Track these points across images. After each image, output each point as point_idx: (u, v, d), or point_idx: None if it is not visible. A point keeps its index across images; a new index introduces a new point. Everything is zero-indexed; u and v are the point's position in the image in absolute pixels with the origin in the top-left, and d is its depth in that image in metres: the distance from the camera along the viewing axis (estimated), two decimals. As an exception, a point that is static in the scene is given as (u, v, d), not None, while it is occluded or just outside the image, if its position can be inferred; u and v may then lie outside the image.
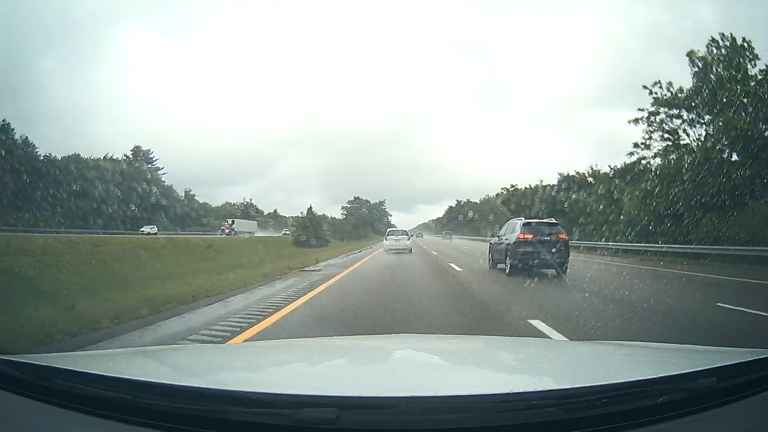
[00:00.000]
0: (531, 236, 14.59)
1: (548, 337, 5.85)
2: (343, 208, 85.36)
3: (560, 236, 14.94)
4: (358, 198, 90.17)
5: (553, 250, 14.30)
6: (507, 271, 14.82)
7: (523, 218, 16.86)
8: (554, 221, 16.72)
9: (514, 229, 15.37)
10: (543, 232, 14.88)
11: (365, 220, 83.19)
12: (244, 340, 5.90)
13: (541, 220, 16.71)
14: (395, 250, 26.84)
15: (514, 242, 14.67)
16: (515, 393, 1.41)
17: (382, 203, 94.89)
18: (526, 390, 1.51)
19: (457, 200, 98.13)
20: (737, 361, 1.62)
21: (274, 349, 2.89)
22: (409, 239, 28.96)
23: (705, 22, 57.15)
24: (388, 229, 32.23)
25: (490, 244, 18.04)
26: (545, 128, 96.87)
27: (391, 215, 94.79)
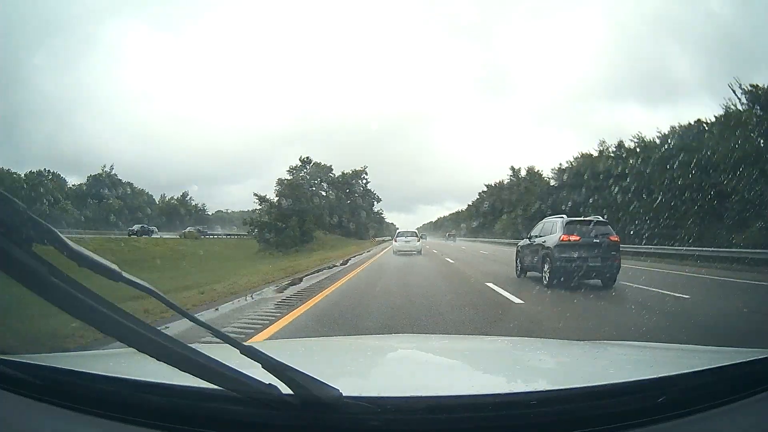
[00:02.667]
0: (577, 238, 11.89)
1: None
2: (279, 182, 46.40)
3: (611, 238, 12.22)
4: (308, 160, 49.77)
5: (604, 255, 11.82)
6: (545, 281, 12.05)
7: (565, 216, 13.57)
8: (602, 219, 13.61)
9: (553, 230, 12.65)
10: (591, 234, 12.09)
11: (303, 209, 41.88)
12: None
13: (587, 219, 13.50)
14: (405, 251, 27.45)
15: (556, 246, 11.95)
16: (516, 393, 1.41)
17: (360, 174, 54.90)
18: (527, 390, 1.51)
19: (477, 196, 75.29)
20: (737, 361, 1.62)
21: (273, 349, 2.90)
22: (418, 240, 30.23)
23: (715, 12, 56.49)
24: (398, 231, 33.70)
25: (519, 247, 14.98)
26: (550, 124, 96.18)
27: (379, 198, 60.23)
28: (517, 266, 14.83)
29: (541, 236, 13.26)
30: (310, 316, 8.02)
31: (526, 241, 14.32)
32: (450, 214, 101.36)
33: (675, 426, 1.35)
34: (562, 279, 11.53)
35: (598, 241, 11.96)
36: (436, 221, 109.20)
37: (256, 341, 5.50)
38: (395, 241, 30.62)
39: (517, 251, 15.00)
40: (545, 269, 12.21)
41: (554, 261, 11.86)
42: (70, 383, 1.47)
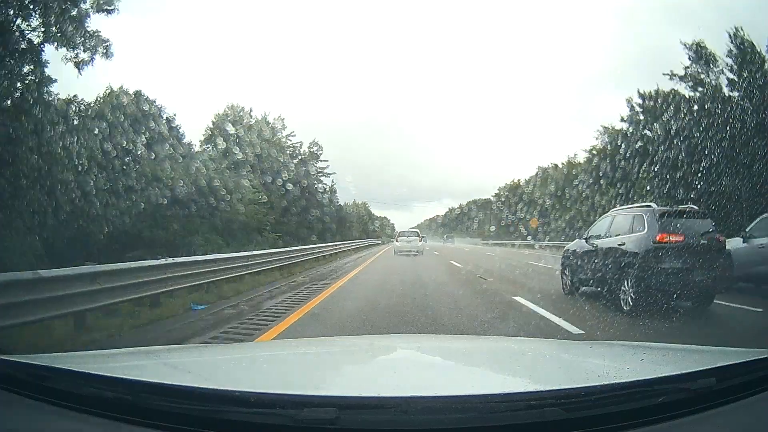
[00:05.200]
0: (680, 239, 7.84)
1: None
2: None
3: (719, 239, 8.34)
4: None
5: (711, 264, 7.81)
6: (626, 305, 7.90)
7: (653, 204, 9.15)
8: (700, 209, 9.47)
9: (634, 226, 8.51)
10: (694, 232, 8.07)
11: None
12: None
13: (684, 209, 9.09)
14: (406, 251, 28.33)
15: (648, 251, 7.87)
16: (515, 393, 1.41)
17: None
18: (526, 390, 1.51)
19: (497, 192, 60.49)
20: (737, 361, 1.62)
21: (274, 349, 2.91)
22: (420, 241, 31.00)
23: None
24: (399, 231, 34.74)
25: (567, 253, 10.68)
26: (554, 117, 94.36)
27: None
28: (564, 280, 10.65)
29: (609, 236, 9.16)
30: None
31: (581, 244, 10.10)
32: (485, 199, 69.23)
33: (675, 426, 1.35)
34: (650, 299, 7.55)
35: (705, 242, 8.03)
36: (445, 215, 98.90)
37: (261, 342, 5.53)
38: (396, 240, 31.98)
39: (565, 258, 10.72)
40: (627, 286, 8.02)
41: (646, 273, 7.72)
42: (70, 383, 1.48)
